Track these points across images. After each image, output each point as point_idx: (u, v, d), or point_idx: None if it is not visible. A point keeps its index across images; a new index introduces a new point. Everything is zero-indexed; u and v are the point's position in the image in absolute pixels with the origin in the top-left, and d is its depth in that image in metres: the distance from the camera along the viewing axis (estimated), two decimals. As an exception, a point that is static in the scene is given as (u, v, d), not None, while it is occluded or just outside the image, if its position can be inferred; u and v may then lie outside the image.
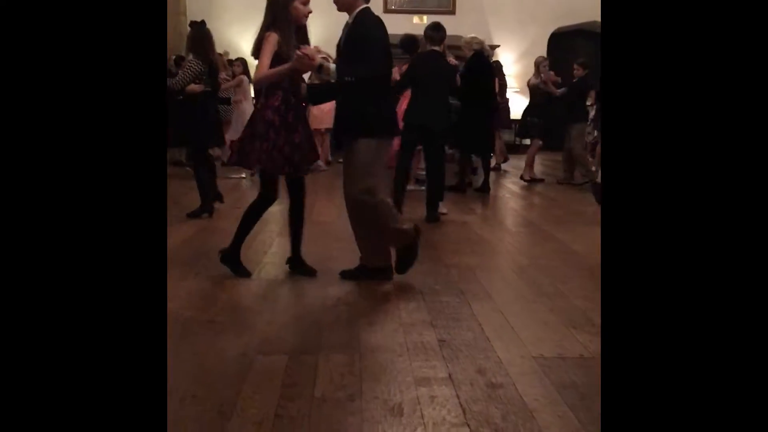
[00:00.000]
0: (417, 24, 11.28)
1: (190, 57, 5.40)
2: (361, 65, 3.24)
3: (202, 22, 5.44)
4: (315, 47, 3.42)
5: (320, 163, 8.68)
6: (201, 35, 5.34)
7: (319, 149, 8.85)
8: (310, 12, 3.43)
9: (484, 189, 7.09)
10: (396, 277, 3.67)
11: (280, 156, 3.42)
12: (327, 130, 8.70)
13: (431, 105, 5.33)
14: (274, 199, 3.62)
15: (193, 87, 5.31)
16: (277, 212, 5.94)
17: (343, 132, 3.49)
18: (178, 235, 4.72)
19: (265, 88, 3.48)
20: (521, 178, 8.12)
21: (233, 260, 3.68)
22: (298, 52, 3.23)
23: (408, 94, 5.73)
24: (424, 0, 12.24)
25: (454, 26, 11.64)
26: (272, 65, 3.31)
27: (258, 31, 3.41)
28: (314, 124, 8.65)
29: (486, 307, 3.24)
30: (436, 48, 5.38)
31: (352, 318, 3.06)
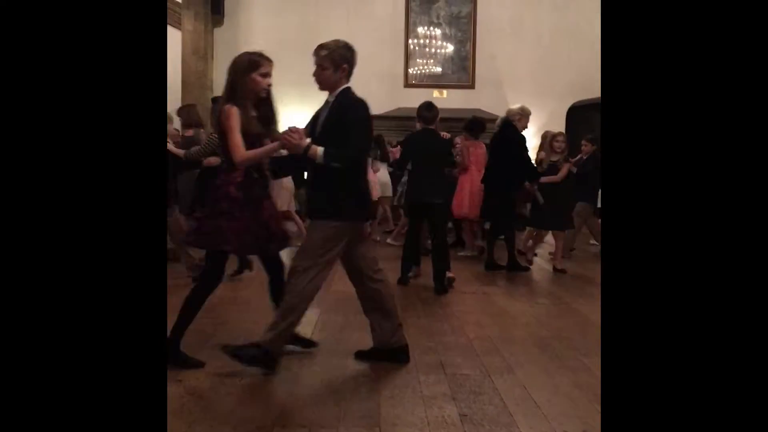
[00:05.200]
0: (437, 98, 11.51)
1: (212, 131, 5.58)
2: (347, 150, 3.13)
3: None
4: (295, 128, 3.16)
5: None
6: None
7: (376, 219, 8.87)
8: (270, 85, 3.27)
9: (512, 267, 6.58)
10: (416, 350, 3.63)
11: (249, 235, 3.20)
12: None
13: (429, 181, 5.54)
14: (219, 280, 3.35)
15: (210, 159, 5.47)
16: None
17: (311, 206, 3.39)
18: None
19: (226, 163, 3.26)
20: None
21: (173, 351, 3.22)
22: (288, 129, 3.07)
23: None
24: (444, 74, 12.56)
25: (473, 100, 11.93)
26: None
27: (220, 103, 3.25)
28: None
29: (508, 381, 3.18)
30: (430, 126, 5.61)
31: (372, 390, 3.02)
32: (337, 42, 3.27)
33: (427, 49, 12.37)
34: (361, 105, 3.25)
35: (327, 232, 3.21)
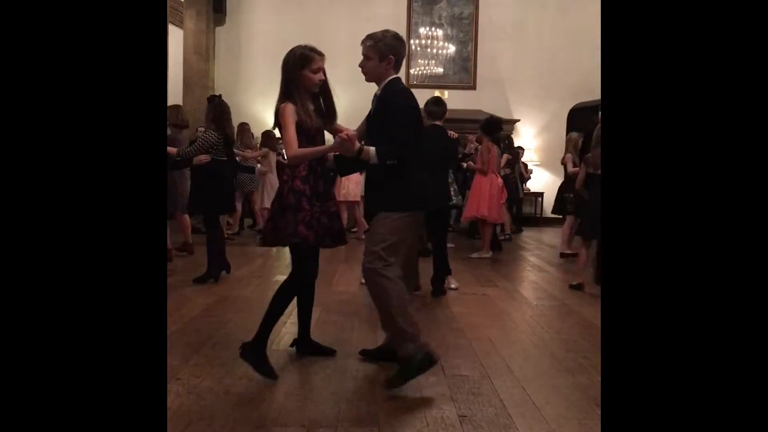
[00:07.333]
0: (438, 98, 11.50)
1: (204, 128, 5.63)
2: (397, 144, 3.07)
3: (219, 96, 5.70)
4: (350, 132, 3.12)
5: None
6: (219, 108, 5.56)
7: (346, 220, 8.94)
8: (321, 80, 3.23)
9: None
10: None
11: (320, 226, 3.21)
12: (354, 201, 8.80)
13: (436, 182, 5.16)
14: (312, 277, 3.39)
15: (201, 157, 5.49)
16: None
17: (370, 205, 3.34)
18: (196, 305, 4.73)
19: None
20: (561, 254, 7.90)
21: (257, 356, 3.21)
22: (341, 135, 3.00)
23: None
24: (446, 75, 12.56)
25: (475, 101, 11.93)
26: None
27: (276, 102, 3.27)
28: (344, 196, 8.74)
29: (507, 382, 3.18)
30: (438, 123, 5.34)
31: (371, 391, 3.01)
32: (384, 32, 3.21)
33: (429, 50, 12.37)
34: (402, 94, 3.19)
35: (393, 224, 3.12)
